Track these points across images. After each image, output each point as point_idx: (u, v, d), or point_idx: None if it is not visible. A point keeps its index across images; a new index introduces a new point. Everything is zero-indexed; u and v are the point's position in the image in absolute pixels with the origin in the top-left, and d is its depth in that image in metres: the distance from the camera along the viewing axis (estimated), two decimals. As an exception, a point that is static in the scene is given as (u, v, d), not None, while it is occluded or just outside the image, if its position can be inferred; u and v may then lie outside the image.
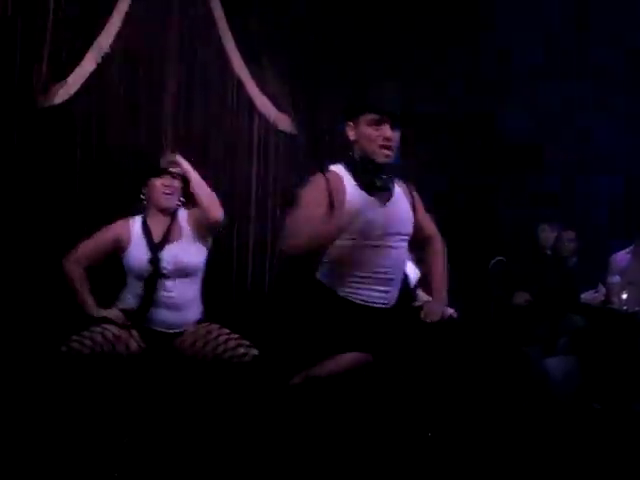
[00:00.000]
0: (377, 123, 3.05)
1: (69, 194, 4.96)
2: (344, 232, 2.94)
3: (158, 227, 3.80)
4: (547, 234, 5.60)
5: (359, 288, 3.09)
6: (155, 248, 3.73)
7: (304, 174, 5.42)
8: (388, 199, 3.16)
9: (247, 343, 3.67)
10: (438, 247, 3.44)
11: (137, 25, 5.11)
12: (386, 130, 3.05)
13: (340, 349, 3.18)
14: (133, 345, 3.72)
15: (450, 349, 3.25)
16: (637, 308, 5.01)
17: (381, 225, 3.09)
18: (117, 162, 5.09)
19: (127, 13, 5.05)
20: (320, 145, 5.71)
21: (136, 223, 3.83)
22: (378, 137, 3.05)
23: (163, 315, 3.74)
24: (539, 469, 3.38)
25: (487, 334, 5.08)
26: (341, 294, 3.10)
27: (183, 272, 3.75)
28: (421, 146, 5.46)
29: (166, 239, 3.76)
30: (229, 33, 5.42)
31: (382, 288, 3.13)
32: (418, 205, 3.36)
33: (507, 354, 4.88)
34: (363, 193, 3.09)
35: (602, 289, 5.45)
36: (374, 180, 3.10)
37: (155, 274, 3.71)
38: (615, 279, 5.41)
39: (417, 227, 3.32)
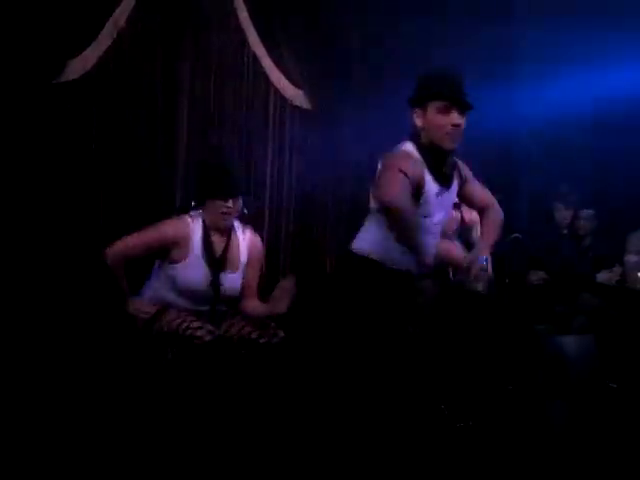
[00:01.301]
0: (446, 110, 3.06)
1: (84, 169, 4.97)
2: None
3: (218, 245, 3.65)
4: (562, 212, 5.55)
5: (404, 259, 3.12)
6: (216, 276, 3.60)
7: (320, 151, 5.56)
8: (448, 187, 3.20)
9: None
10: (493, 216, 3.47)
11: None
12: (454, 117, 3.07)
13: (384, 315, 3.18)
14: None
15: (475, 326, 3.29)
16: (653, 288, 5.00)
17: (436, 211, 3.15)
18: (133, 137, 5.10)
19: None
20: (335, 120, 5.69)
21: (196, 233, 3.60)
22: (447, 124, 3.06)
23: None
24: (551, 446, 3.39)
25: (501, 312, 5.08)
26: (388, 264, 3.14)
27: (235, 299, 3.70)
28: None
29: (225, 264, 3.64)
30: (245, 8, 5.39)
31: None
32: (469, 178, 3.40)
33: (519, 332, 4.88)
34: (434, 181, 3.11)
35: (617, 269, 5.42)
36: (443, 169, 3.13)
37: (215, 300, 3.63)
38: (632, 258, 5.38)
39: (471, 198, 3.42)
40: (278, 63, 5.52)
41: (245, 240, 3.73)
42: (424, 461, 3.19)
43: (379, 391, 3.07)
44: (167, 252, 3.57)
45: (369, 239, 3.20)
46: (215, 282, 3.59)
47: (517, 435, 3.59)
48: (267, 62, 5.47)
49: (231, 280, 3.65)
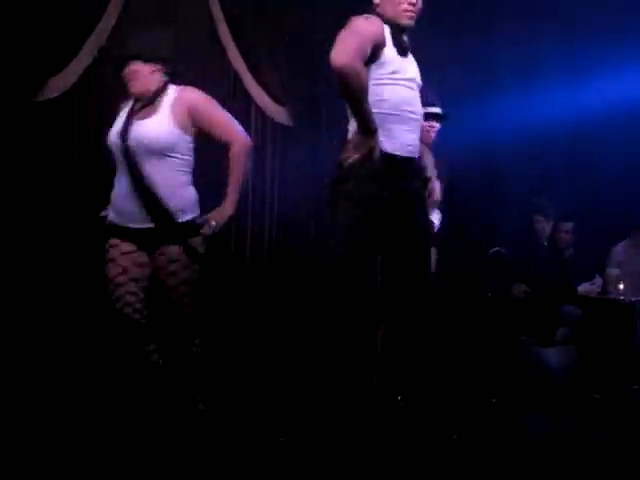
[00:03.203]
0: None
1: (65, 188, 4.96)
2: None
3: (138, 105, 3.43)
4: (542, 225, 5.58)
5: (394, 130, 3.13)
6: (126, 123, 3.37)
7: (301, 166, 5.57)
8: (407, 54, 3.23)
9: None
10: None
11: (133, 17, 5.10)
12: None
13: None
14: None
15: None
16: (634, 299, 5.04)
17: (405, 68, 3.18)
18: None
19: (123, 5, 5.05)
20: (317, 137, 5.71)
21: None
22: (403, 1, 3.13)
23: (133, 205, 3.35)
24: (535, 458, 3.40)
25: (484, 325, 5.10)
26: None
27: (149, 150, 3.33)
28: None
29: (134, 115, 3.40)
30: (225, 24, 5.41)
31: (411, 128, 3.19)
32: None
33: (502, 345, 4.91)
34: (395, 51, 3.13)
35: (599, 281, 5.47)
36: (403, 42, 3.17)
37: (126, 153, 3.34)
38: (614, 271, 5.44)
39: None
40: (259, 79, 5.53)
41: (174, 95, 3.44)
42: (409, 475, 3.19)
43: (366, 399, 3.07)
44: None
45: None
46: (123, 131, 3.36)
47: (500, 448, 3.60)
48: (248, 79, 5.49)
49: (139, 126, 3.37)
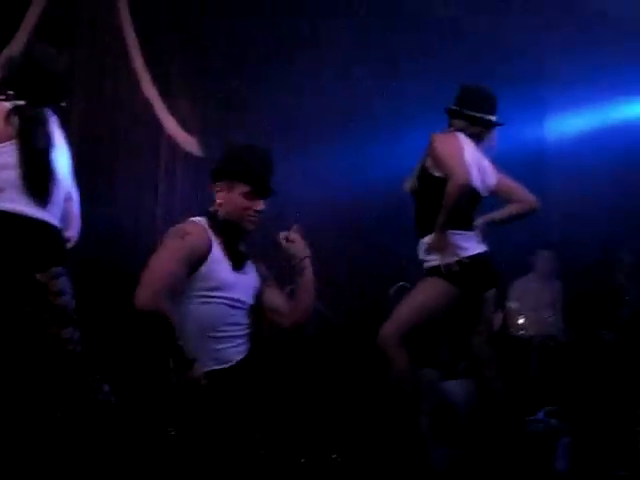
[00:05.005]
0: (251, 196, 2.99)
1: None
2: None
3: None
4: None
5: (218, 350, 2.96)
6: None
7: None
8: (243, 266, 3.07)
9: None
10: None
11: (46, 40, 5.01)
12: (259, 203, 3.00)
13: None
14: None
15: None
16: (533, 333, 5.19)
17: (234, 290, 3.01)
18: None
19: (36, 26, 4.97)
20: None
21: None
22: (249, 209, 2.99)
23: None
24: None
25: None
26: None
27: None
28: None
29: None
30: (138, 51, 5.37)
31: (238, 342, 3.02)
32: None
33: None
34: (225, 257, 2.98)
35: (499, 314, 5.60)
36: (238, 246, 3.04)
37: None
38: (514, 305, 5.58)
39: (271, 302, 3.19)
40: (171, 108, 5.51)
41: None
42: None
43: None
44: None
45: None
46: None
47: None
48: (160, 108, 5.46)
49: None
